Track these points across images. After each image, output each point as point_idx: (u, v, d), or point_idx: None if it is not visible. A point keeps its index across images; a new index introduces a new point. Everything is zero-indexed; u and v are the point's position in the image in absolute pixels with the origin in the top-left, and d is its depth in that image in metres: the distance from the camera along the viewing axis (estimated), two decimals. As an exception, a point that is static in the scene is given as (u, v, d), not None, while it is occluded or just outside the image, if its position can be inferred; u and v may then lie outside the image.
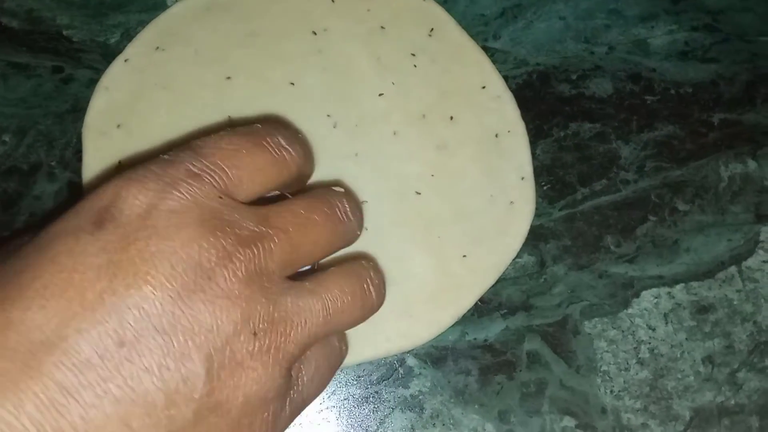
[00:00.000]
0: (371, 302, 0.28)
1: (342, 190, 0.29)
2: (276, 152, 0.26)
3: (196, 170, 0.24)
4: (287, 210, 0.26)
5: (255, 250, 0.23)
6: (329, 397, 0.35)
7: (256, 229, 0.24)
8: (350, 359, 0.34)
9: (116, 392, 0.20)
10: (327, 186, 0.29)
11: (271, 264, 0.24)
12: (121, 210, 0.22)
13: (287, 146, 0.27)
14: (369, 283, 0.28)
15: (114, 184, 0.23)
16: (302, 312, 0.24)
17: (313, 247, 0.26)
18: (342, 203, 0.28)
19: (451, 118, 0.37)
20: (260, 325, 0.23)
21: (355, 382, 0.35)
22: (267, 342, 0.23)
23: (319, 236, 0.26)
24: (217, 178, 0.24)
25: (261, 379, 0.23)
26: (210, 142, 0.25)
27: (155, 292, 0.21)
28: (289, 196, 0.28)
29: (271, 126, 0.27)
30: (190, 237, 0.22)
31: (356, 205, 0.29)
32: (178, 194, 0.23)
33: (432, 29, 0.38)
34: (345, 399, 0.35)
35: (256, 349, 0.23)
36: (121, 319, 0.21)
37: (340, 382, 0.35)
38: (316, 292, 0.25)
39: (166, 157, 0.25)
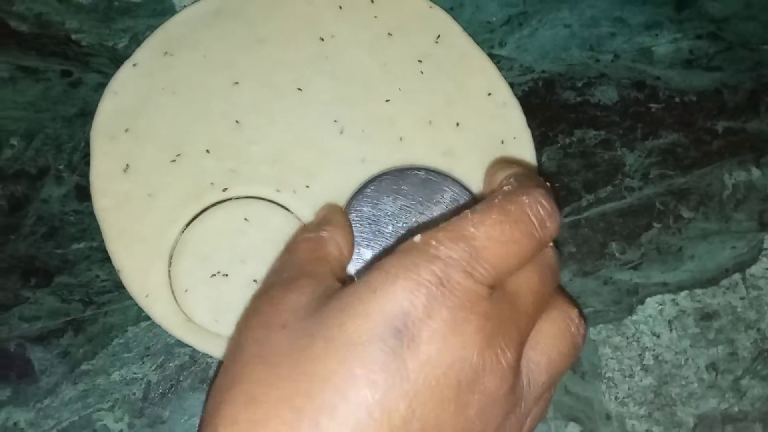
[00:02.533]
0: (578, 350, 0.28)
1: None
2: (538, 233, 0.26)
3: (470, 270, 0.23)
4: (529, 292, 0.26)
5: (519, 344, 0.24)
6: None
7: (521, 326, 0.25)
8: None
9: None
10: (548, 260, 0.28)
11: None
12: (413, 322, 0.22)
13: (548, 225, 0.26)
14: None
15: (402, 288, 0.23)
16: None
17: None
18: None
19: (458, 124, 0.37)
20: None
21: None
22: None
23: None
24: (489, 276, 0.24)
25: None
26: (483, 231, 0.24)
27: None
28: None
29: (534, 198, 0.26)
30: (467, 346, 0.23)
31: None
32: (459, 301, 0.23)
33: (438, 36, 0.38)
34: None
35: None
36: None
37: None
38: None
39: (441, 249, 0.24)
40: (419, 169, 0.35)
